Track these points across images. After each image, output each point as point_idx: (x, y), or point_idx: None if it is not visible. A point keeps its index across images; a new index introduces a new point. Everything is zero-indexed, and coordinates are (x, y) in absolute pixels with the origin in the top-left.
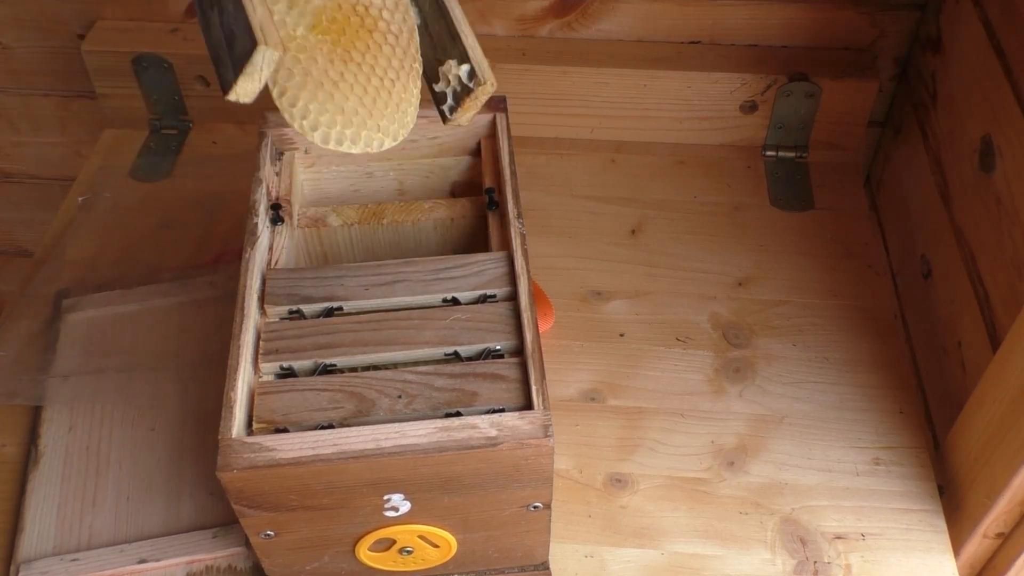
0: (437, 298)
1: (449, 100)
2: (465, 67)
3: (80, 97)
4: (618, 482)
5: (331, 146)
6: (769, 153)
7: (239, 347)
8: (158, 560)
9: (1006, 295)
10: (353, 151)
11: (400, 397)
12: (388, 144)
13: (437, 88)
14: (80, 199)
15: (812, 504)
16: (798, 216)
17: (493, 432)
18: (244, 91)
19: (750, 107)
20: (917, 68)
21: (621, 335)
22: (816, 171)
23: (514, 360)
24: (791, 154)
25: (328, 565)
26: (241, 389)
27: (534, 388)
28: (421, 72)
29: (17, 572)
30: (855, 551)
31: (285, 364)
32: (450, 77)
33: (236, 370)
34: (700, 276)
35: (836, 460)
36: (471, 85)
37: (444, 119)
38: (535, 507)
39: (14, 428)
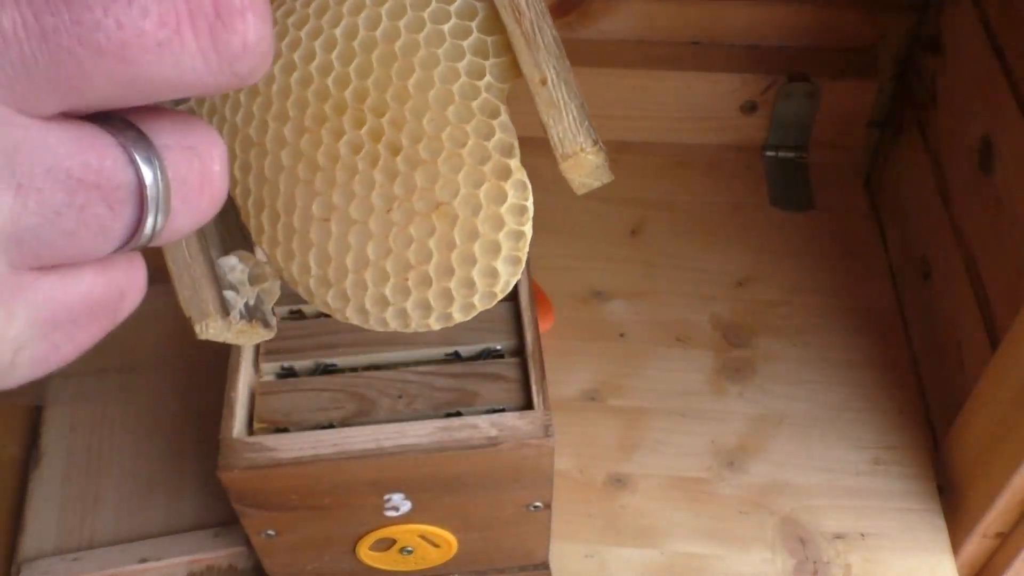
0: None
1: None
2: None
3: None
4: (618, 482)
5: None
6: (769, 153)
7: (240, 347)
8: (159, 559)
9: (1006, 295)
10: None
11: (400, 397)
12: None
13: None
14: None
15: (812, 504)
16: (798, 216)
17: (493, 432)
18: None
19: (750, 107)
20: (917, 68)
21: (621, 335)
22: (816, 171)
23: (514, 360)
24: (791, 154)
25: (329, 565)
26: (242, 389)
27: (534, 388)
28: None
29: (19, 571)
30: (855, 551)
31: (286, 364)
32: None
33: (237, 370)
34: (700, 276)
35: (836, 460)
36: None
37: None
38: (535, 507)
39: (15, 428)
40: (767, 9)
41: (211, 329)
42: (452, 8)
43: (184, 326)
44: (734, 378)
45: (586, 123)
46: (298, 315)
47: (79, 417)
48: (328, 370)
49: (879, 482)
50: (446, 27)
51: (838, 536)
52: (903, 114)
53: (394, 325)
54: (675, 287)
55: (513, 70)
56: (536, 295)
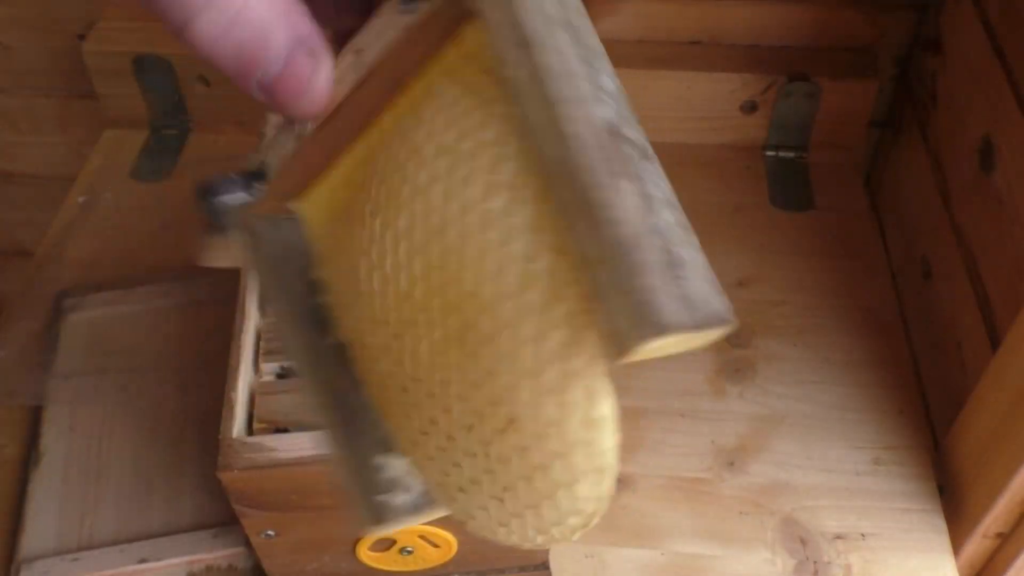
0: None
1: None
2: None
3: (81, 97)
4: (618, 482)
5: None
6: (769, 153)
7: (239, 347)
8: (159, 560)
9: (1006, 295)
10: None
11: None
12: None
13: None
14: (80, 199)
15: (812, 504)
16: (798, 216)
17: None
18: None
19: (750, 107)
20: (917, 68)
21: None
22: (816, 171)
23: None
24: (791, 154)
25: (329, 565)
26: (242, 389)
27: None
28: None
29: (18, 571)
30: (855, 551)
31: (286, 364)
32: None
33: (237, 370)
34: None
35: (836, 460)
36: None
37: None
38: None
39: (14, 428)
40: (767, 9)
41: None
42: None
43: (183, 327)
44: (734, 378)
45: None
46: None
47: (79, 417)
48: None
49: (879, 482)
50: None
51: (838, 536)
52: (903, 114)
53: (517, 540)
54: None
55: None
56: None
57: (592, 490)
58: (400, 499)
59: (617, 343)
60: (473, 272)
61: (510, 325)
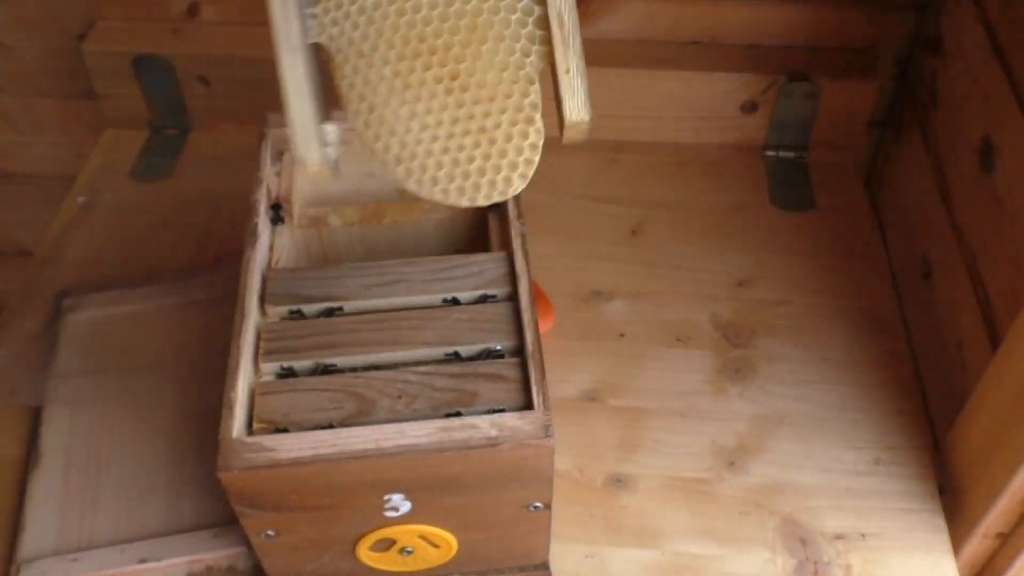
0: (437, 298)
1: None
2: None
3: (80, 97)
4: (618, 482)
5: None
6: (769, 153)
7: (239, 347)
8: (158, 560)
9: (1006, 295)
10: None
11: (400, 397)
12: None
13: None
14: (80, 199)
15: (812, 504)
16: (798, 216)
17: (493, 432)
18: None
19: (750, 107)
20: (917, 68)
21: (621, 335)
22: (816, 171)
23: (514, 360)
24: (791, 154)
25: (329, 565)
26: (241, 389)
27: (534, 388)
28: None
29: (18, 572)
30: (855, 551)
31: (285, 364)
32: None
33: (236, 370)
34: (700, 276)
35: (836, 460)
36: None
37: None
38: (535, 507)
39: (14, 428)
40: (767, 9)
41: (310, 169)
42: (520, 5)
43: (183, 327)
44: (734, 378)
45: (588, 103)
46: (298, 315)
47: (79, 417)
48: (328, 370)
49: (879, 482)
50: (513, 17)
51: (838, 536)
52: (904, 114)
53: (440, 196)
54: (675, 287)
55: (548, 58)
56: (536, 295)
57: (523, 139)
58: (332, 152)
59: (571, 117)
60: (488, 48)
61: (503, 83)
